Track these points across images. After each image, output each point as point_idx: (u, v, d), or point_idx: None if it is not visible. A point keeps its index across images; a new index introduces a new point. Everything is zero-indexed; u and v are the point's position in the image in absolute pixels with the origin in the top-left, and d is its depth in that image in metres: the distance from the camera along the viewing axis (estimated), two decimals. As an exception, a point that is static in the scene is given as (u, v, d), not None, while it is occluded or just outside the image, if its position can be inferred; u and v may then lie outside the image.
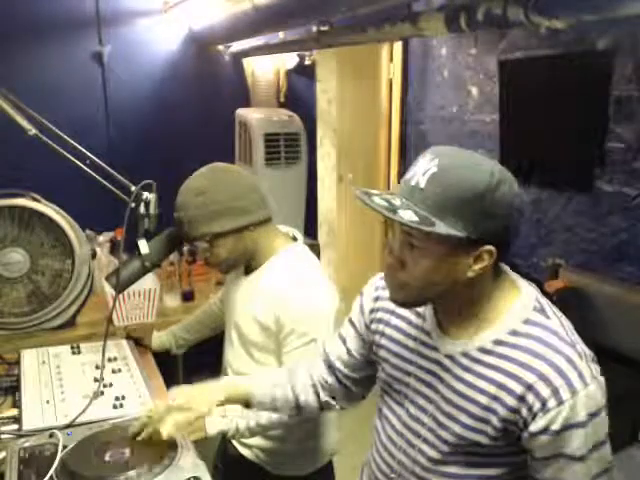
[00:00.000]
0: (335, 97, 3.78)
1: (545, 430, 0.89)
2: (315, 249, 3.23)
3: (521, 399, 0.91)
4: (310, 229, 3.57)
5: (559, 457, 0.91)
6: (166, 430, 1.13)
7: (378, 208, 0.88)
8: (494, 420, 0.94)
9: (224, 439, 1.45)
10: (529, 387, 0.90)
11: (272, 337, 1.45)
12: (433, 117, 3.60)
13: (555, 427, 0.89)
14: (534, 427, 0.90)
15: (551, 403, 0.88)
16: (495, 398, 0.93)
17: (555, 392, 0.88)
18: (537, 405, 0.89)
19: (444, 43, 3.43)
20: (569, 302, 2.49)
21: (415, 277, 0.93)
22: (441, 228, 0.86)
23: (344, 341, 1.22)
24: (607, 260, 2.59)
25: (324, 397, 1.25)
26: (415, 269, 0.92)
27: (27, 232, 1.97)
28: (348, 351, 1.21)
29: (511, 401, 0.92)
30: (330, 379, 1.23)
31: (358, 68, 3.84)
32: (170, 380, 1.70)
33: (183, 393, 1.20)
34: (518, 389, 0.91)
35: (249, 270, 1.54)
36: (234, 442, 1.54)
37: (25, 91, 1.85)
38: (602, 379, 0.93)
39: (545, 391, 0.89)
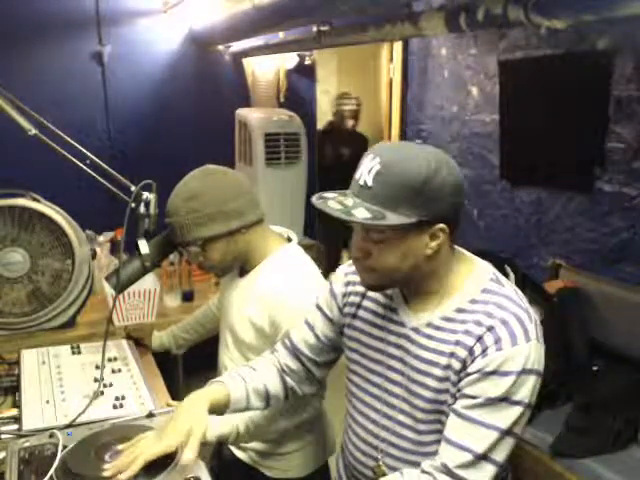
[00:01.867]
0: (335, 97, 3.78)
1: (479, 371, 0.96)
2: (315, 249, 3.25)
3: (470, 350, 0.98)
4: (310, 229, 3.57)
5: (481, 397, 0.95)
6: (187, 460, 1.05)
7: (334, 213, 0.96)
8: (452, 376, 1.00)
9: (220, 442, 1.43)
10: (479, 338, 0.97)
11: (267, 339, 1.43)
12: (433, 117, 3.60)
13: (488, 369, 0.95)
14: (471, 368, 0.97)
15: (491, 350, 0.95)
16: (452, 355, 1.00)
17: (498, 341, 0.96)
18: (479, 351, 0.96)
19: (444, 43, 3.43)
20: (569, 302, 2.49)
21: (381, 264, 1.01)
22: (392, 219, 0.95)
23: (312, 327, 1.26)
24: (607, 260, 2.59)
25: (290, 383, 1.29)
26: (380, 257, 1.01)
27: (27, 232, 1.97)
28: (316, 336, 1.25)
29: (463, 353, 0.98)
30: (294, 365, 1.27)
31: (358, 68, 3.84)
32: (170, 380, 1.70)
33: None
34: (470, 342, 0.98)
35: (243, 272, 1.52)
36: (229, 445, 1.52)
37: (25, 91, 1.85)
38: (543, 350, 0.99)
39: (489, 340, 0.96)
